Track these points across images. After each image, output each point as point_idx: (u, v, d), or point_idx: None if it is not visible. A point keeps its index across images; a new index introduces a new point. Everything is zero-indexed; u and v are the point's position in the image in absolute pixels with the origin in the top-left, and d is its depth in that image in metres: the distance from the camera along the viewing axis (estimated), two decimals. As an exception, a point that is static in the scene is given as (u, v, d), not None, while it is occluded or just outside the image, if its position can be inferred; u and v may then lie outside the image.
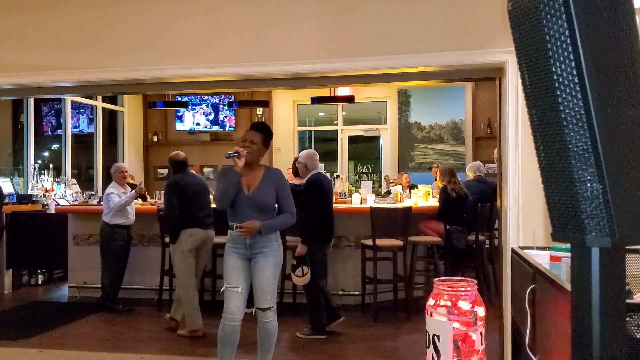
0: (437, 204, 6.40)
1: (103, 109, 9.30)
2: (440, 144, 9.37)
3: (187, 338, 4.80)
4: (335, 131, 9.99)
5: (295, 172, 5.57)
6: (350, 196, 6.47)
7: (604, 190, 1.13)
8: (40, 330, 5.04)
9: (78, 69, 4.14)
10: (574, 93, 1.14)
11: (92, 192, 7.72)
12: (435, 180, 8.01)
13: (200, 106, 9.71)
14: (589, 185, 1.15)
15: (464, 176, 7.03)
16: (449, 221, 5.89)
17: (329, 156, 10.12)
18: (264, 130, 3.57)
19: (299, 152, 9.70)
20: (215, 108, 9.74)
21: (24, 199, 7.10)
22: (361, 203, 6.14)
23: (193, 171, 5.59)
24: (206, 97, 9.66)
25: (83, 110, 9.12)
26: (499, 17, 3.49)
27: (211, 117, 9.76)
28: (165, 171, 10.04)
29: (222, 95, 9.61)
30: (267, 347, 3.50)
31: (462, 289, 2.83)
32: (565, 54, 1.14)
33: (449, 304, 2.77)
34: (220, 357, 3.45)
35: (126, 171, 5.95)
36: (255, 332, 3.54)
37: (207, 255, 5.28)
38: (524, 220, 3.53)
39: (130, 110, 9.81)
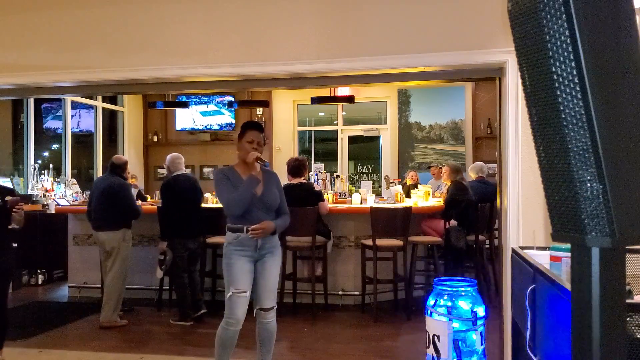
0: (436, 203, 6.39)
1: (103, 109, 9.30)
2: (440, 144, 9.37)
3: (187, 337, 4.81)
4: (335, 131, 9.98)
5: (293, 173, 5.56)
6: (350, 196, 6.47)
7: (604, 190, 1.13)
8: (40, 330, 5.04)
9: (78, 69, 4.14)
10: (574, 93, 1.14)
11: (92, 192, 7.70)
12: (433, 178, 8.03)
13: (201, 105, 9.71)
14: (589, 185, 1.14)
15: (466, 177, 7.03)
16: (452, 218, 5.90)
17: (329, 156, 10.12)
18: (262, 130, 3.56)
19: (299, 153, 9.72)
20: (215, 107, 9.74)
21: (24, 199, 7.08)
22: (361, 203, 6.14)
23: (128, 175, 5.62)
24: (206, 97, 9.65)
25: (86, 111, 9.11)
26: (499, 17, 3.48)
27: (211, 116, 9.76)
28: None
29: (223, 95, 9.61)
30: (268, 348, 3.51)
31: (462, 289, 2.83)
32: (565, 54, 1.14)
33: (449, 304, 2.77)
34: (219, 359, 3.44)
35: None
36: (250, 332, 3.53)
37: (118, 256, 5.14)
38: (524, 220, 3.53)
39: (130, 110, 9.81)
